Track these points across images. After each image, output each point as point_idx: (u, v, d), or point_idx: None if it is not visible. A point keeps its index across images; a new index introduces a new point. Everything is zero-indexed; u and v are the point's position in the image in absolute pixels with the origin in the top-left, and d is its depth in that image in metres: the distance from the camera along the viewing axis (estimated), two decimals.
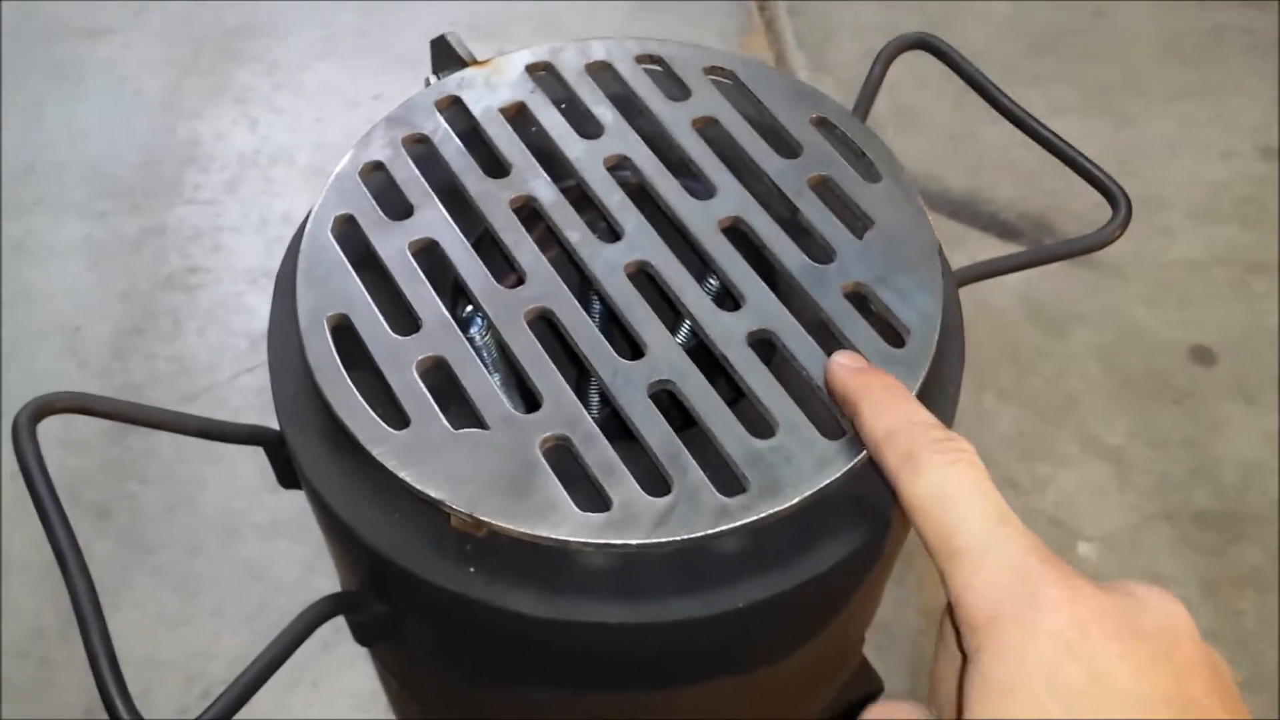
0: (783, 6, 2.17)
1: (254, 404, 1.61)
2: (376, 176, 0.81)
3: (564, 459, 0.66)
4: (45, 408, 0.75)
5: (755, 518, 0.63)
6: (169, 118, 1.93)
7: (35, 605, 1.43)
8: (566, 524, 0.63)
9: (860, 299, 0.74)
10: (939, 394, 0.73)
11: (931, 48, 1.01)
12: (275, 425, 0.79)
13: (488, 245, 0.78)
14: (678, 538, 0.63)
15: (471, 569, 0.68)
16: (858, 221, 0.78)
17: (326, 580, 1.43)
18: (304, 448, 0.74)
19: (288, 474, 0.85)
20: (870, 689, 1.01)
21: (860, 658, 1.01)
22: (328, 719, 1.35)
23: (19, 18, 2.11)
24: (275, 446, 0.84)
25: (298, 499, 1.51)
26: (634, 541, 0.63)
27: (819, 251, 0.75)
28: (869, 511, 0.69)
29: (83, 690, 1.35)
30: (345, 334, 0.72)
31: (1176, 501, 1.57)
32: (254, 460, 1.54)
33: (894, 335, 0.71)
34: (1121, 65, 2.16)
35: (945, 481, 0.50)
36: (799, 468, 0.64)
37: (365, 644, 0.85)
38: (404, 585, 0.70)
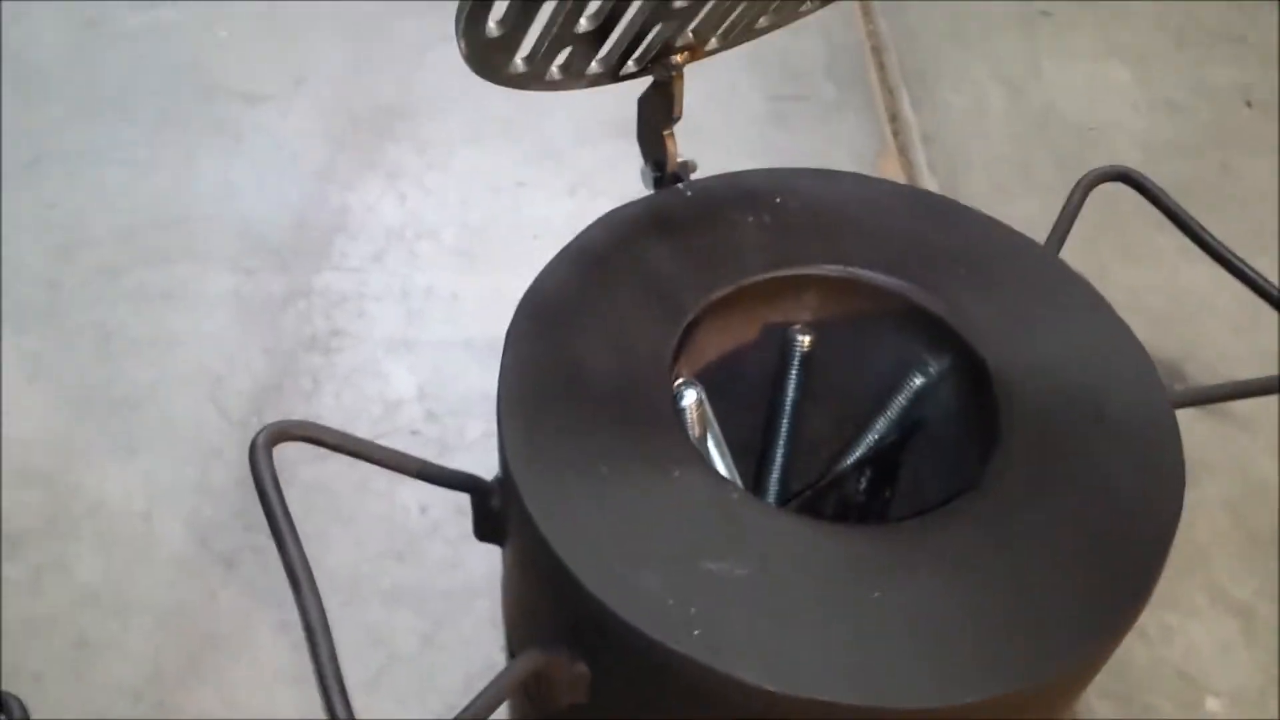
0: (916, 134, 2.22)
1: (382, 470, 1.63)
2: None
3: None
4: (282, 433, 0.78)
5: None
6: (322, 185, 1.99)
7: (154, 648, 1.43)
8: None
9: None
10: None
11: (1133, 181, 1.03)
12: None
13: None
14: None
15: (696, 631, 0.69)
16: None
17: (446, 655, 1.43)
18: (536, 492, 0.75)
19: (488, 524, 0.87)
20: None
21: None
22: None
23: (182, 75, 2.20)
24: (483, 496, 0.85)
25: (422, 570, 1.52)
26: None
27: None
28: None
29: None
30: None
31: None
32: (382, 525, 1.56)
33: None
34: (1249, 222, 2.17)
35: None
36: None
37: (542, 708, 0.85)
38: (622, 642, 0.70)
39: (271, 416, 1.66)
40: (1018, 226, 1.01)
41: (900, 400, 0.94)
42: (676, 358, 0.88)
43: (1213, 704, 1.49)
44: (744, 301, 0.92)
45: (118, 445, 1.63)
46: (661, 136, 0.94)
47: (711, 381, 0.96)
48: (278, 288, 1.83)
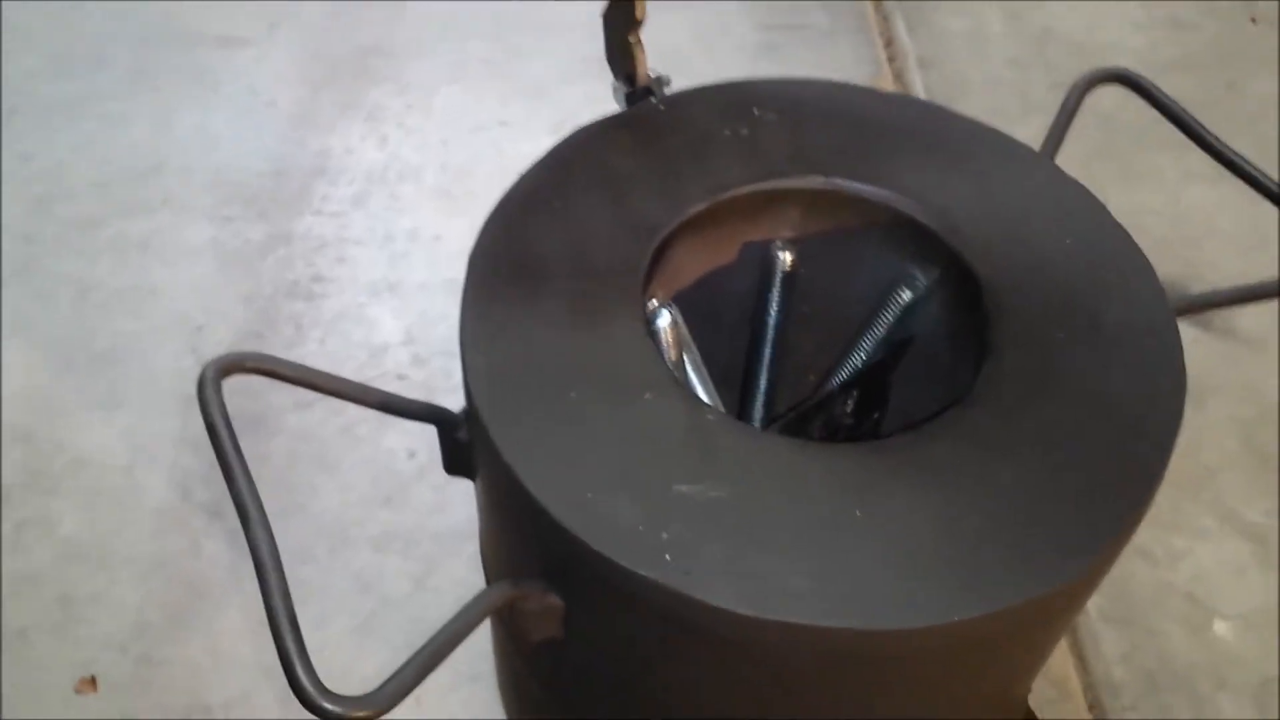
0: (912, 59, 2.15)
1: (368, 416, 1.59)
2: None
3: None
4: (233, 365, 0.74)
5: None
6: (301, 129, 1.94)
7: (139, 600, 1.41)
8: None
9: None
10: None
11: (1130, 82, 0.98)
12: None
13: None
14: None
15: (668, 556, 0.65)
16: None
17: (437, 598, 1.40)
18: (500, 420, 0.71)
19: (457, 458, 0.83)
20: None
21: (1027, 710, 0.96)
22: None
23: (156, 23, 2.15)
24: (451, 428, 0.82)
25: (410, 514, 1.49)
26: None
27: None
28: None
29: (184, 692, 1.33)
30: None
31: None
32: (369, 471, 1.53)
33: None
34: (1254, 137, 2.11)
35: None
36: None
37: (519, 640, 0.82)
38: (592, 572, 0.67)
39: None
40: None
41: (888, 317, 0.90)
42: (650, 278, 0.84)
43: (1221, 627, 1.46)
44: (721, 218, 0.88)
45: (98, 399, 1.59)
46: (629, 45, 0.89)
47: (690, 305, 0.92)
48: (257, 235, 1.78)
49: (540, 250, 0.83)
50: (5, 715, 1.29)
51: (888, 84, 2.12)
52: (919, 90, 2.08)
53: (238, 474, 0.70)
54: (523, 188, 0.87)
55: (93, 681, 1.32)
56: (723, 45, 2.15)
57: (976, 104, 2.10)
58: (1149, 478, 0.71)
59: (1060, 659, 1.44)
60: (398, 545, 1.45)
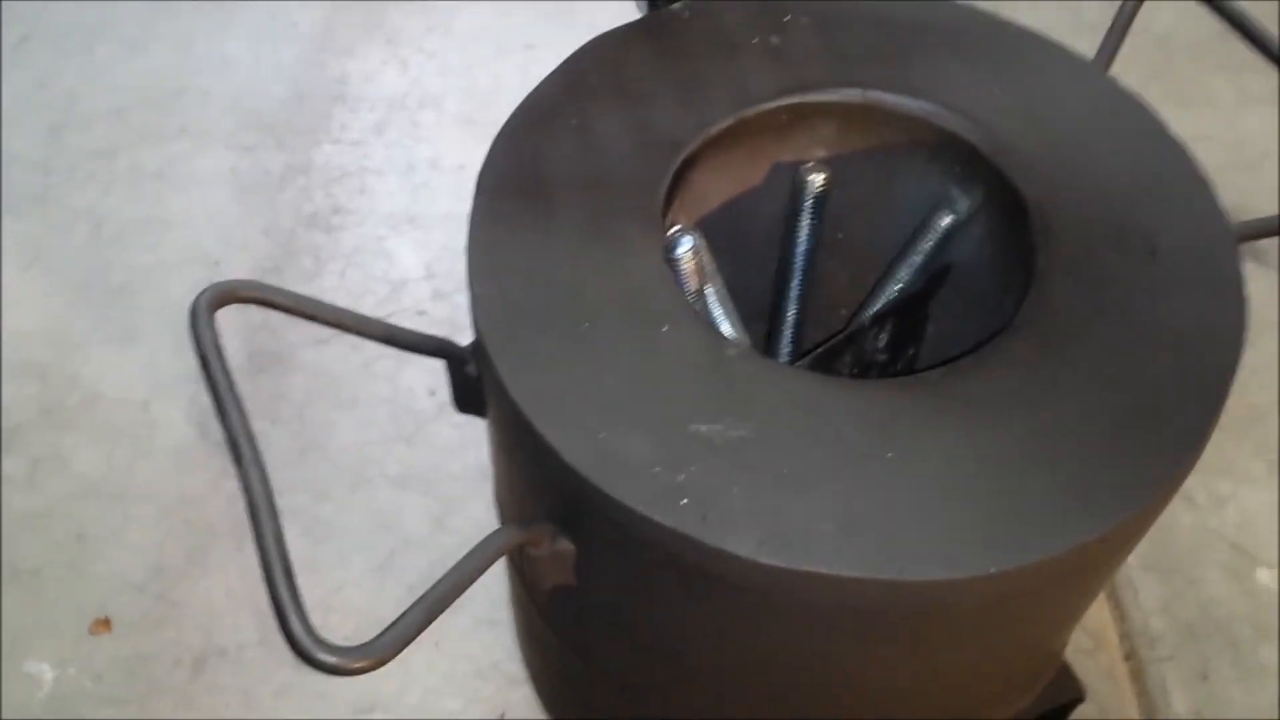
0: None
1: (387, 352, 1.55)
2: None
3: None
4: (227, 295, 0.69)
5: None
6: (320, 53, 1.88)
7: (157, 540, 1.38)
8: None
9: None
10: None
11: None
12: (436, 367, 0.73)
13: None
14: None
15: (684, 501, 0.61)
16: None
17: (458, 539, 1.37)
18: (507, 353, 0.67)
19: (468, 394, 0.78)
20: (1071, 696, 0.91)
21: (1062, 662, 0.91)
22: (447, 682, 1.29)
23: None
24: (459, 362, 0.77)
25: (430, 453, 1.46)
26: None
27: None
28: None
29: (200, 629, 1.30)
30: None
31: None
32: (388, 408, 1.49)
33: None
34: None
35: None
36: None
37: (531, 586, 0.78)
38: (603, 516, 0.62)
39: None
40: None
41: (926, 243, 0.84)
42: (670, 202, 0.79)
43: (1265, 575, 1.40)
44: (748, 136, 0.82)
45: (115, 333, 1.56)
46: None
47: (716, 231, 0.86)
48: (275, 164, 1.73)
49: (553, 171, 0.77)
50: (20, 655, 1.27)
51: None
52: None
53: (230, 409, 0.66)
54: (535, 102, 0.81)
55: (107, 622, 1.30)
56: None
57: (1025, 19, 2.00)
58: (1205, 416, 0.65)
59: (1097, 607, 1.38)
60: (418, 484, 1.41)
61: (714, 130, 0.79)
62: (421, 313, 1.58)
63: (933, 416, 0.65)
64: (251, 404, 1.54)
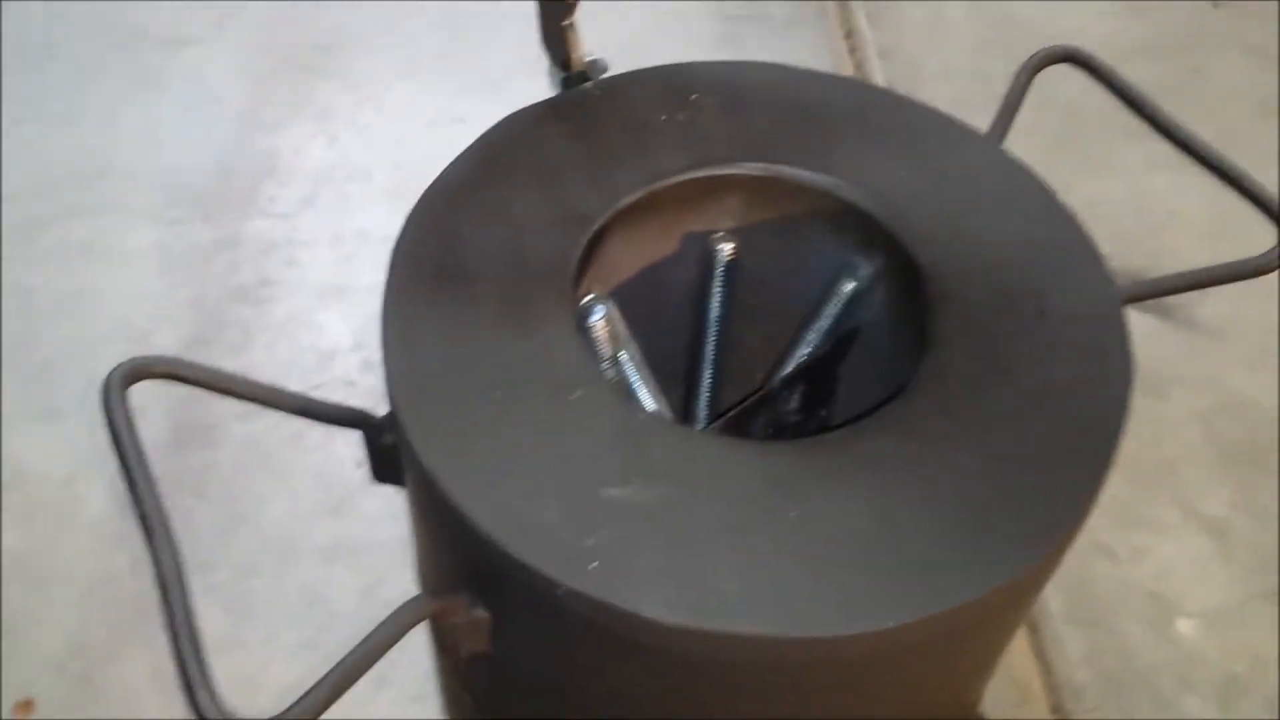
0: (873, 49, 2.13)
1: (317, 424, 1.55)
2: None
3: None
4: (140, 370, 0.70)
5: None
6: (248, 129, 1.90)
7: (78, 620, 1.36)
8: None
9: None
10: None
11: (1081, 61, 0.95)
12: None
13: None
14: None
15: (593, 565, 0.62)
16: None
17: (387, 610, 1.35)
18: (420, 421, 0.68)
19: (385, 464, 0.79)
20: None
21: (978, 716, 0.93)
22: None
23: (99, 21, 2.09)
24: (376, 432, 0.78)
25: (359, 524, 1.45)
26: None
27: None
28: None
29: (124, 713, 1.28)
30: None
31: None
32: (317, 480, 1.48)
33: None
34: (1218, 123, 2.09)
35: None
36: None
37: (452, 656, 0.78)
38: (514, 581, 0.63)
39: None
40: None
41: (831, 308, 0.87)
42: (585, 272, 0.81)
43: (1184, 625, 1.43)
44: (658, 207, 0.84)
45: (39, 409, 1.55)
46: (561, 30, 0.85)
47: (631, 301, 0.88)
48: (204, 238, 1.74)
49: (466, 244, 0.79)
50: None
51: (847, 71, 2.09)
52: (879, 80, 2.06)
53: (141, 486, 0.66)
54: (449, 178, 0.83)
55: (30, 704, 1.27)
56: (681, 35, 2.12)
57: (938, 92, 2.07)
58: (1098, 468, 0.68)
59: (1023, 661, 1.41)
60: (346, 556, 1.41)
61: (625, 202, 0.82)
62: (350, 383, 1.58)
63: (833, 476, 0.67)
64: (178, 478, 1.54)
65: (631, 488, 0.66)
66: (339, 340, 1.63)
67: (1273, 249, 0.84)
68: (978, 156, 0.88)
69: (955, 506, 0.65)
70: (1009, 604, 0.69)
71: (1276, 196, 0.85)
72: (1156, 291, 0.81)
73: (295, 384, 1.57)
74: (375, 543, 1.42)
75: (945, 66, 2.12)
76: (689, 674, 0.66)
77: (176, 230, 1.75)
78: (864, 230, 0.84)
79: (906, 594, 0.62)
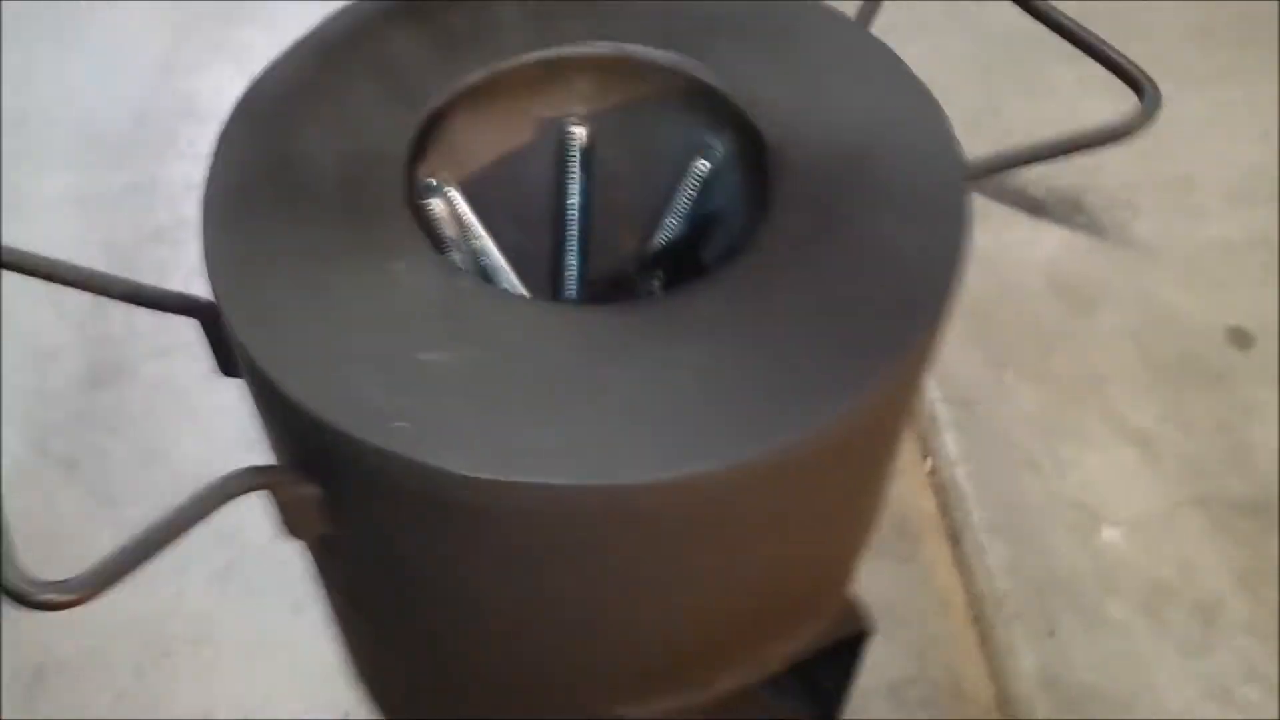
0: None
1: None
2: None
3: None
4: None
5: None
6: (166, 75, 1.88)
7: None
8: None
9: None
10: None
11: None
12: None
13: None
14: None
15: (401, 424, 0.61)
16: None
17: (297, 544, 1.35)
18: (235, 296, 0.66)
19: (225, 354, 0.78)
20: (856, 629, 0.92)
21: (850, 598, 0.92)
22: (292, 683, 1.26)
23: None
24: (213, 319, 0.76)
25: (274, 458, 1.43)
26: None
27: None
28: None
29: (38, 647, 1.27)
30: None
31: (1209, 487, 1.46)
32: (232, 415, 1.47)
33: None
34: (1150, 45, 2.07)
35: None
36: None
37: (303, 541, 0.77)
38: (332, 450, 0.62)
39: (115, 313, 1.57)
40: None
41: (688, 189, 0.85)
42: (424, 154, 0.79)
43: (1110, 533, 1.42)
44: (505, 90, 0.82)
45: None
46: None
47: (491, 193, 0.87)
48: (119, 182, 1.72)
49: (296, 124, 0.78)
50: None
51: None
52: None
53: None
54: (280, 69, 0.81)
55: None
56: None
57: None
58: (923, 320, 0.66)
59: (944, 570, 1.40)
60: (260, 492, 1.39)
61: (466, 83, 0.80)
62: None
63: (656, 337, 0.65)
64: (92, 417, 1.52)
65: (449, 351, 0.65)
66: None
67: (1136, 114, 0.82)
68: (842, 39, 0.86)
69: (774, 360, 0.64)
70: (836, 456, 0.67)
71: (1138, 68, 0.84)
72: (1003, 164, 0.80)
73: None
74: None
75: None
76: (514, 535, 0.65)
77: (92, 175, 1.73)
78: (715, 109, 0.82)
79: (720, 441, 0.61)
